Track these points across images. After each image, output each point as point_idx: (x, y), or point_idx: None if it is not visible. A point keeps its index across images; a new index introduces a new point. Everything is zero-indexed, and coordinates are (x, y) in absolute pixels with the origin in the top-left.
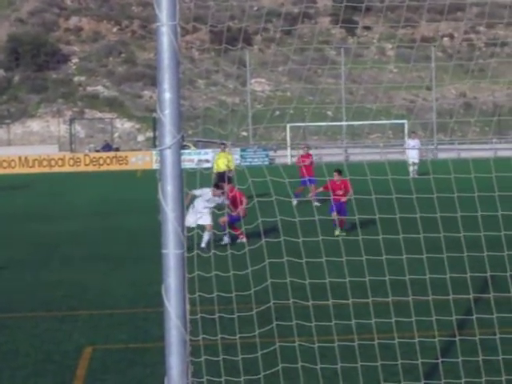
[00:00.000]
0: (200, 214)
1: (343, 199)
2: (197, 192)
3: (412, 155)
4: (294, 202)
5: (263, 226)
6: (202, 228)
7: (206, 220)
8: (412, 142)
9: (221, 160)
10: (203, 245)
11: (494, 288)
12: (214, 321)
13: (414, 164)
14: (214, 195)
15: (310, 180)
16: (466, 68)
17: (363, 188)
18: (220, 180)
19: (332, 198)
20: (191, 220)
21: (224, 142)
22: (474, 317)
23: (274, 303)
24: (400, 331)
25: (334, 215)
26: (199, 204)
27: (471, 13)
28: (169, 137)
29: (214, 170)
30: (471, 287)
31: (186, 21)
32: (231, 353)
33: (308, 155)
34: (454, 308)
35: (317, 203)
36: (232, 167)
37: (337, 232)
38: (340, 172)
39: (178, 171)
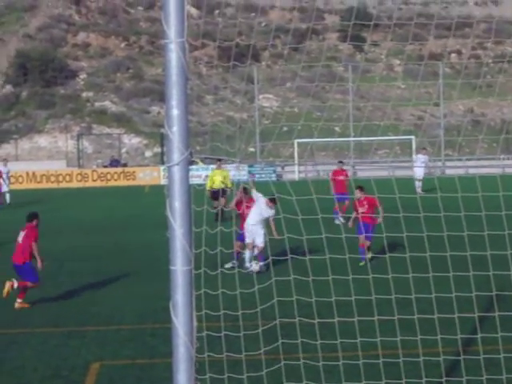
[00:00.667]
0: (255, 233)
1: (368, 219)
2: (257, 194)
3: (419, 171)
4: (337, 221)
5: (271, 244)
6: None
7: (260, 240)
8: (422, 158)
9: (216, 177)
10: (247, 264)
11: (499, 306)
12: (221, 338)
13: (419, 180)
14: (268, 206)
15: (341, 197)
16: (474, 84)
17: None
18: (214, 197)
19: (357, 216)
20: (248, 236)
21: (220, 158)
22: (479, 335)
23: (279, 321)
24: (405, 348)
25: (362, 238)
26: (253, 216)
27: (479, 29)
28: (177, 153)
29: (208, 187)
30: (476, 305)
31: (195, 37)
32: (238, 369)
33: (342, 171)
34: (459, 326)
35: (340, 220)
36: (229, 184)
37: (360, 263)
38: (362, 188)
39: (185, 187)
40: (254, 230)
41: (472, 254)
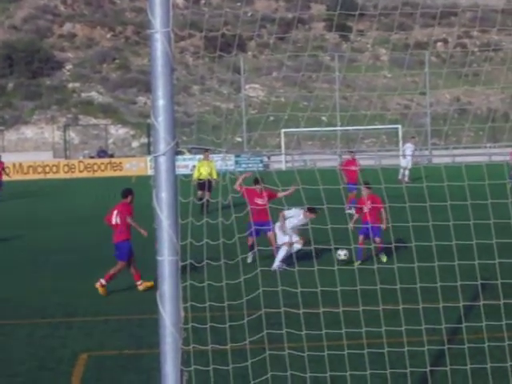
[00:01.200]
0: (289, 235)
1: (373, 219)
2: (289, 213)
3: (406, 160)
4: (348, 211)
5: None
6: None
7: (294, 238)
8: (411, 147)
9: (203, 168)
10: (277, 263)
11: (484, 295)
12: (207, 329)
13: (405, 168)
14: (306, 217)
15: (351, 187)
16: (460, 73)
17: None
18: (201, 188)
19: (358, 217)
20: (282, 239)
21: (208, 148)
22: (463, 324)
23: (265, 311)
24: (390, 338)
25: (361, 239)
26: (288, 224)
27: (464, 18)
28: (163, 144)
29: (195, 177)
30: (461, 294)
31: (181, 27)
32: (225, 359)
33: (353, 160)
34: (444, 315)
35: (349, 211)
36: (215, 176)
37: (357, 262)
38: (369, 186)
39: (172, 178)
40: (291, 232)
41: (457, 243)
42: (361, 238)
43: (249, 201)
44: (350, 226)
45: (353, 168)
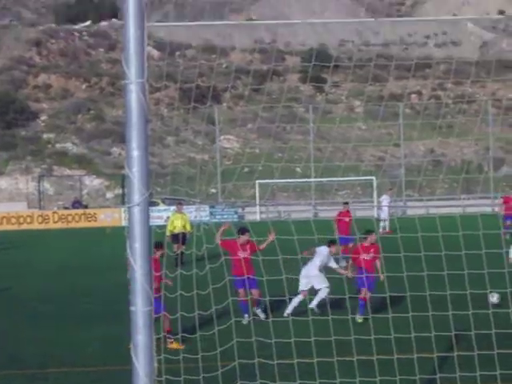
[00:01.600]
0: (313, 278)
1: (373, 269)
2: (317, 249)
3: (384, 212)
4: (342, 263)
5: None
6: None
7: (322, 283)
8: (388, 198)
9: (177, 221)
10: (289, 311)
11: (458, 346)
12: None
13: (384, 220)
14: (331, 253)
15: (344, 239)
16: (434, 124)
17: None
18: (175, 241)
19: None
20: (304, 282)
21: (181, 200)
22: (438, 376)
23: (239, 362)
24: None
25: (364, 291)
26: (312, 264)
27: (439, 70)
28: (137, 194)
29: (169, 231)
30: (436, 346)
31: (156, 78)
32: None
33: (347, 212)
34: (418, 366)
35: (343, 262)
36: (188, 228)
37: (359, 319)
38: (374, 234)
39: (146, 229)
40: (313, 279)
41: (432, 293)
42: (363, 290)
43: (231, 254)
44: (349, 273)
45: (346, 219)
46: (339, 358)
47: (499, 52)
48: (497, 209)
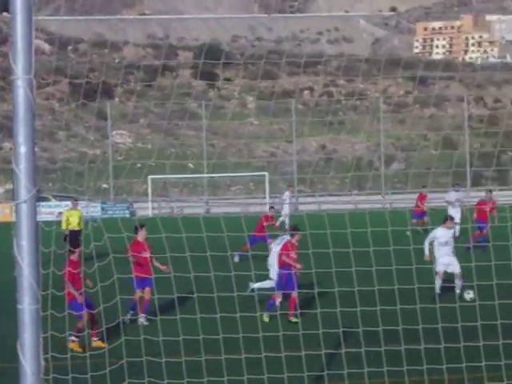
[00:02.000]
0: (271, 266)
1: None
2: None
3: (285, 208)
4: (236, 258)
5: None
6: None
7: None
8: (288, 194)
9: (73, 218)
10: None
11: (346, 344)
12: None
13: (286, 216)
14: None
15: (258, 238)
16: (326, 121)
17: (223, 243)
18: (75, 238)
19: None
20: (271, 270)
21: (76, 198)
22: (325, 373)
23: (127, 360)
24: None
25: (279, 293)
26: (274, 253)
27: (331, 66)
28: (24, 191)
29: (64, 228)
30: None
31: (47, 72)
32: None
33: (272, 217)
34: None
35: (237, 259)
36: (81, 225)
37: (266, 318)
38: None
39: (33, 226)
40: (272, 268)
41: (320, 291)
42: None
43: (134, 254)
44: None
45: (270, 223)
46: (227, 356)
47: (391, 49)
48: (475, 215)
